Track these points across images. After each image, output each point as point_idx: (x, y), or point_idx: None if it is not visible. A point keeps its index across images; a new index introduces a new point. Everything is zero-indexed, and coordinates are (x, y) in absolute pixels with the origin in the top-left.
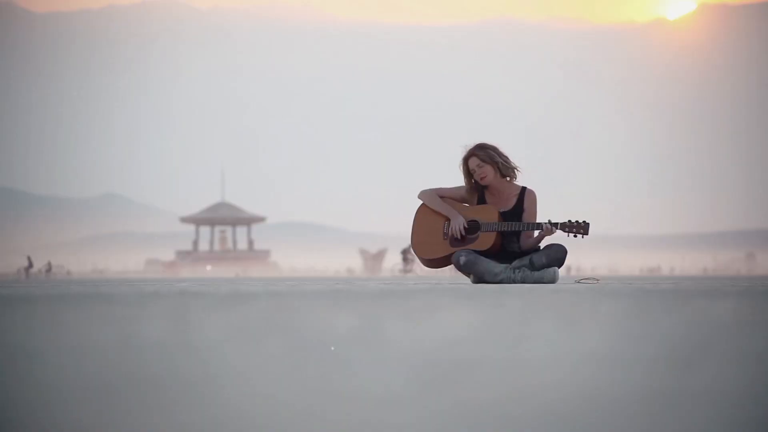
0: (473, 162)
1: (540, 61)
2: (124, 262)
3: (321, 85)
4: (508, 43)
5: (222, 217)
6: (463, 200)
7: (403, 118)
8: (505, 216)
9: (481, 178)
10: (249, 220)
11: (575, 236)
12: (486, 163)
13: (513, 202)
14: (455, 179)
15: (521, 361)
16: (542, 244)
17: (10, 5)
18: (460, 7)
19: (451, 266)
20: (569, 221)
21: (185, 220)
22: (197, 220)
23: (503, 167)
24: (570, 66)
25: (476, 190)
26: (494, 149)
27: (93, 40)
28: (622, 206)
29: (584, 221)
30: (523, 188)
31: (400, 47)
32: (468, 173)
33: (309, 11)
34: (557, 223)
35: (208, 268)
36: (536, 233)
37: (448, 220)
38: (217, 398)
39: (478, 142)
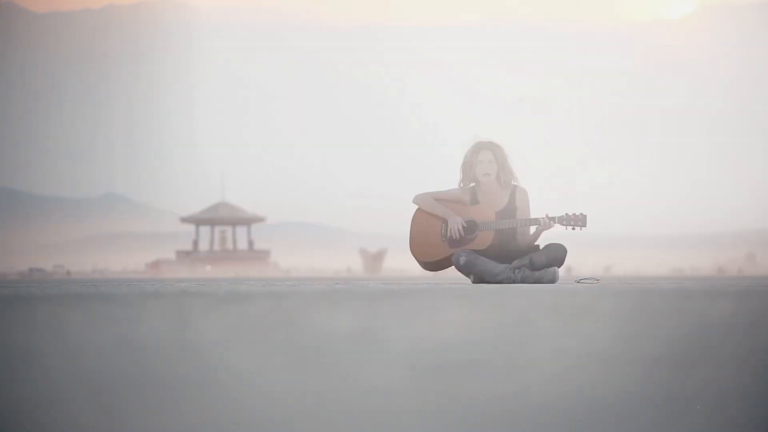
0: (486, 155)
1: (539, 61)
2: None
3: (321, 84)
4: (507, 42)
5: (222, 217)
6: (457, 201)
7: (403, 118)
8: (499, 215)
9: (484, 174)
10: (249, 220)
11: (573, 228)
12: (496, 162)
13: (505, 200)
14: (455, 178)
15: (521, 361)
16: (540, 240)
17: (10, 5)
18: (461, 6)
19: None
20: (566, 214)
21: (185, 220)
22: (197, 220)
23: (507, 173)
24: (569, 65)
25: (469, 189)
26: (506, 154)
27: (93, 39)
28: (622, 206)
29: (581, 213)
30: (515, 186)
31: (398, 47)
32: (471, 165)
33: (310, 10)
34: (554, 217)
35: (208, 268)
36: (533, 229)
37: (446, 222)
38: (218, 398)
39: (488, 140)
